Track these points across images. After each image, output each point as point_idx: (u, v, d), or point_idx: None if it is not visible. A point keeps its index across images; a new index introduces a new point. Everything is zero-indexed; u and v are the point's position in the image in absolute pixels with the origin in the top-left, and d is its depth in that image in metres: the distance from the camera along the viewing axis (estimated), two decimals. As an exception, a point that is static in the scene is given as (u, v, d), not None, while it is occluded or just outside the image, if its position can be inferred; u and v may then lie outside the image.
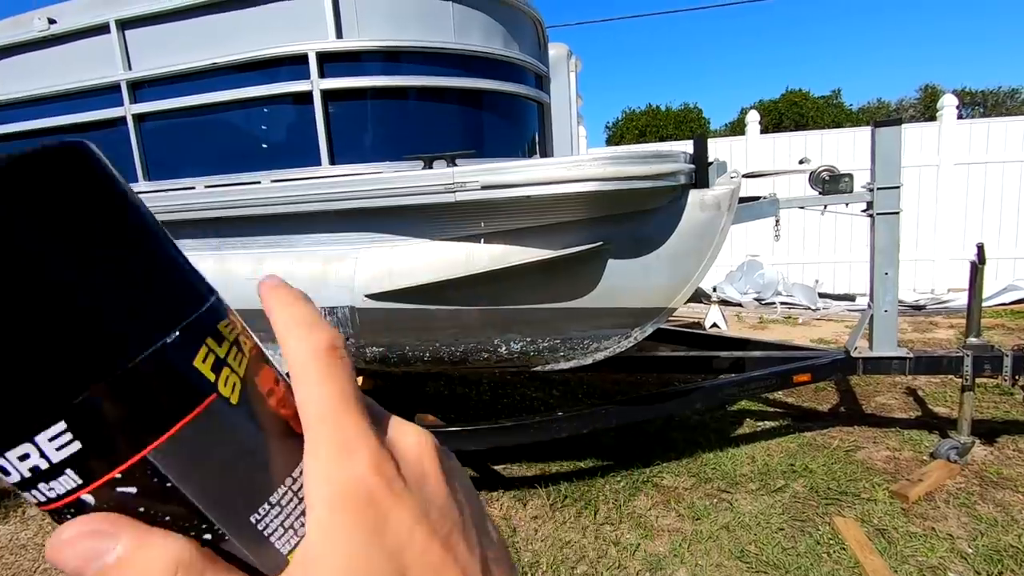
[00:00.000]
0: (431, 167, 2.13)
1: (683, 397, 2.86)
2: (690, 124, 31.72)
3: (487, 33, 2.48)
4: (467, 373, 5.01)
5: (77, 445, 0.17)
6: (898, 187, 2.89)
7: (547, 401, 4.45)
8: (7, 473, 0.17)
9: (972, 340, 3.03)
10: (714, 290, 6.27)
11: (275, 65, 2.26)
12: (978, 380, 3.16)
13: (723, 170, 2.40)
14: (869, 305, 3.10)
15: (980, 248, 2.85)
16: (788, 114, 28.56)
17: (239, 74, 2.32)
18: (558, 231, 2.17)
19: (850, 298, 6.92)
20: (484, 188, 2.02)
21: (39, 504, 0.18)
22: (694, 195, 2.17)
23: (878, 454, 3.38)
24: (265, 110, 2.34)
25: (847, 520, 2.70)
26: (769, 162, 7.16)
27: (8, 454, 0.17)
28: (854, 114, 28.89)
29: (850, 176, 2.97)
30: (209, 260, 2.52)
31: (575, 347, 2.39)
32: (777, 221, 3.06)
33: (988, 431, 3.48)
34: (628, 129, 32.69)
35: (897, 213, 2.91)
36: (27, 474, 0.17)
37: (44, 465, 0.17)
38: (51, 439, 0.16)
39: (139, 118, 2.51)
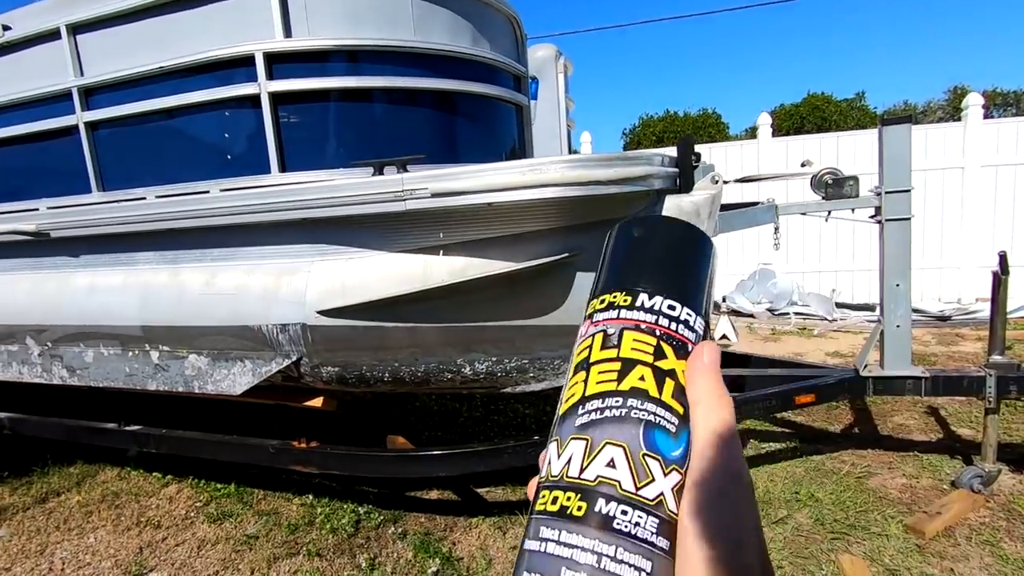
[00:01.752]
0: (381, 173, 1.97)
1: (672, 420, 2.63)
2: (708, 129, 31.18)
3: (452, 31, 2.31)
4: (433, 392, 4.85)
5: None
6: (908, 191, 2.64)
7: (540, 418, 4.24)
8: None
9: (996, 358, 2.75)
10: (724, 300, 5.99)
11: (223, 67, 2.13)
12: (1005, 401, 2.88)
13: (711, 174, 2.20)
14: (879, 320, 2.85)
15: (1003, 257, 2.58)
16: (810, 118, 27.89)
17: (187, 78, 2.20)
18: (522, 241, 1.98)
19: (870, 308, 6.57)
20: (435, 196, 1.85)
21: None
22: (671, 201, 1.97)
23: (893, 482, 3.10)
24: (214, 115, 2.21)
25: (854, 559, 2.44)
26: (782, 166, 6.86)
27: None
28: (879, 117, 28.15)
29: (855, 179, 2.73)
30: (164, 274, 2.40)
31: (545, 367, 2.19)
32: (776, 228, 2.83)
33: (1018, 457, 3.17)
34: (645, 135, 32.25)
35: (908, 219, 2.66)
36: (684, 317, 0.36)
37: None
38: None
39: (91, 126, 2.41)
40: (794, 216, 2.73)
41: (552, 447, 0.34)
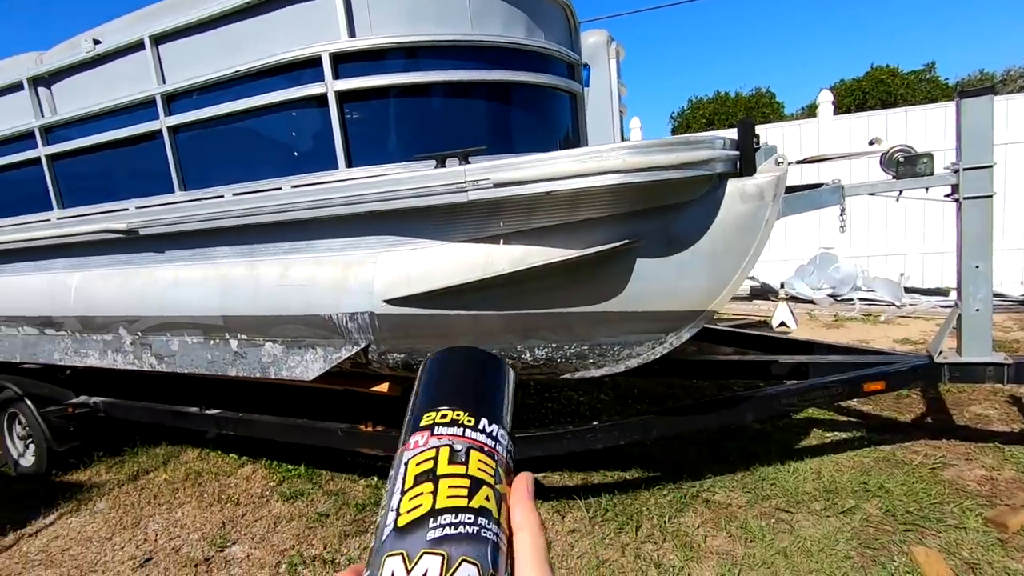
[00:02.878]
0: (444, 166, 2.03)
1: (731, 408, 2.61)
2: (762, 109, 29.95)
3: (508, 22, 2.34)
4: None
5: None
6: (990, 166, 2.49)
7: (594, 406, 4.26)
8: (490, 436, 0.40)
9: (1089, 343, 2.57)
10: (782, 286, 5.80)
11: (291, 69, 2.24)
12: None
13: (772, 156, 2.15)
14: (956, 303, 2.71)
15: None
16: (874, 93, 26.35)
17: (259, 80, 2.32)
18: (582, 229, 2.01)
19: (943, 293, 6.21)
20: (497, 186, 1.90)
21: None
22: (733, 185, 1.94)
23: (971, 473, 2.95)
24: (284, 115, 2.33)
25: (929, 551, 2.35)
26: (845, 145, 6.54)
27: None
28: (951, 89, 26.26)
29: (929, 156, 2.59)
30: (241, 267, 2.55)
31: (605, 354, 2.21)
32: (842, 210, 2.73)
33: (1113, 450, 2.96)
34: (695, 118, 31.35)
35: (990, 196, 2.52)
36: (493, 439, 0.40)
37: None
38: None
39: (173, 130, 2.58)
40: (858, 197, 2.62)
41: (395, 561, 0.33)
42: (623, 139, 3.81)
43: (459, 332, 2.22)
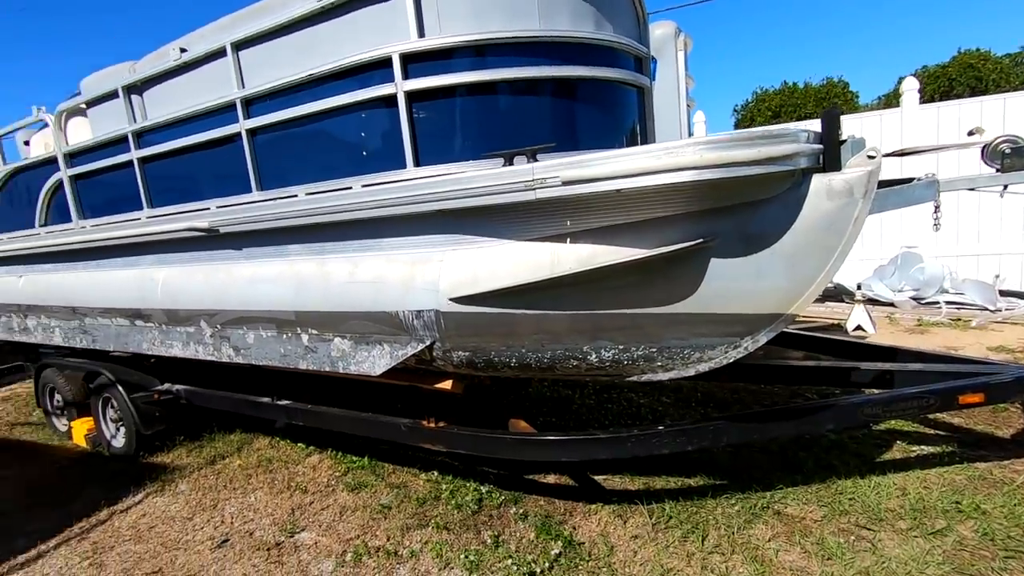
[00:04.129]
0: (511, 164, 2.01)
1: (810, 415, 2.46)
2: (833, 100, 28.37)
3: (576, 16, 2.30)
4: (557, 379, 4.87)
5: None
6: (1117, 157, 2.23)
7: (655, 408, 4.15)
8: None
9: None
10: (859, 287, 5.45)
11: (362, 71, 2.29)
12: None
13: (861, 149, 2.00)
14: (1070, 310, 2.44)
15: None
16: (961, 79, 24.42)
17: (331, 83, 2.39)
18: (653, 228, 1.94)
19: (1045, 296, 5.66)
20: (566, 184, 1.86)
21: None
22: (819, 180, 1.82)
23: (1084, 498, 2.67)
24: (355, 116, 2.38)
25: (1036, 582, 2.14)
26: (932, 137, 6.06)
27: None
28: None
29: (1042, 147, 2.35)
30: (313, 264, 2.64)
31: (674, 357, 2.14)
32: (936, 207, 2.52)
33: None
34: (760, 111, 30.06)
35: (1115, 191, 2.26)
36: None
37: None
38: None
39: (251, 132, 2.70)
40: (945, 193, 2.41)
41: None
42: (690, 134, 3.68)
43: (525, 332, 2.20)
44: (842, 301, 5.96)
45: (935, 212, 2.54)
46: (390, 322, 2.41)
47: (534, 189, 1.91)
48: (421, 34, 2.18)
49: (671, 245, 1.89)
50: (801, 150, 1.76)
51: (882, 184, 2.58)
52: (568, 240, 2.05)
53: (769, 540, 2.58)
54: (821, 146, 1.86)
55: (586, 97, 2.48)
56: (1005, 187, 2.46)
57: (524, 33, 2.19)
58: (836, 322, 5.73)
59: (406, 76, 2.21)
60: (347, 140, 2.45)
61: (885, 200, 2.31)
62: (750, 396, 4.22)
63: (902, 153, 2.87)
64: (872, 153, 1.78)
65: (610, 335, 2.12)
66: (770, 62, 59.03)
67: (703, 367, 2.14)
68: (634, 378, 2.29)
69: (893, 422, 3.60)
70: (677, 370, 2.18)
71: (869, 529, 2.59)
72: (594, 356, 2.19)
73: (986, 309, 5.46)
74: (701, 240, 1.88)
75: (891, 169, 5.02)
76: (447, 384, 2.67)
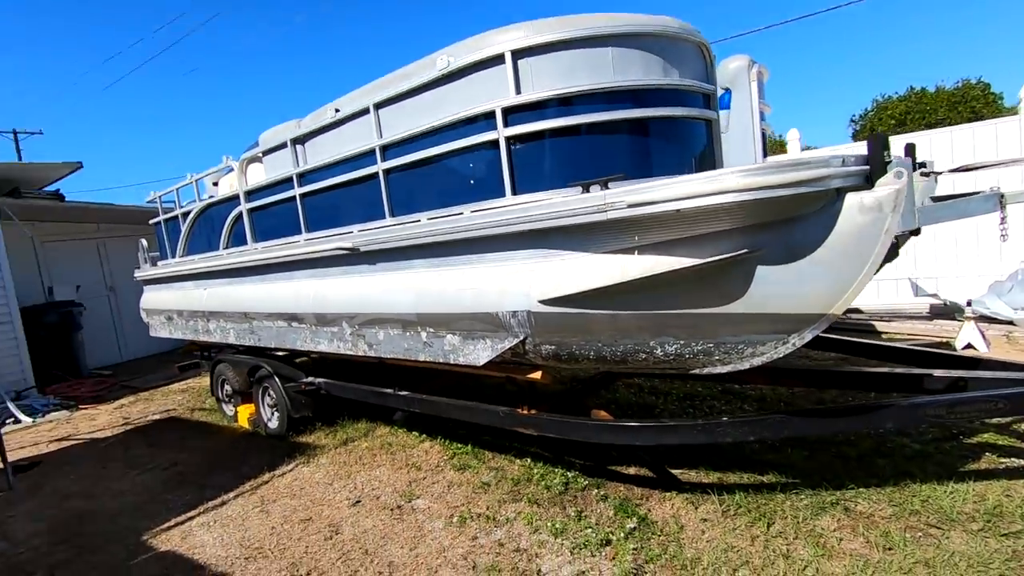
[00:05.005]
0: (588, 191, 2.50)
1: (870, 413, 2.65)
2: (971, 103, 25.66)
3: (645, 67, 2.76)
4: (658, 384, 5.16)
5: None
6: None
7: (735, 413, 4.34)
8: None
9: None
10: (968, 304, 5.21)
11: (472, 122, 2.90)
12: None
13: (928, 169, 2.26)
14: None
15: None
16: None
17: (448, 131, 3.03)
18: (706, 241, 2.33)
19: None
20: (630, 206, 2.32)
21: None
22: (852, 198, 2.12)
23: None
24: (465, 156, 2.99)
25: (1104, 580, 2.18)
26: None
27: None
28: None
29: (1110, 159, 2.42)
30: (429, 272, 3.28)
31: (730, 351, 2.48)
32: (1003, 219, 2.64)
33: None
34: (881, 120, 27.91)
35: None
36: None
37: None
38: None
39: (386, 172, 3.42)
40: (1008, 205, 2.51)
41: None
42: (764, 156, 3.94)
43: (599, 329, 2.66)
44: (954, 319, 5.68)
45: (1001, 224, 2.65)
46: (491, 321, 2.97)
47: (605, 211, 2.38)
48: (518, 92, 2.75)
49: (721, 255, 2.27)
50: (831, 173, 2.08)
51: (944, 198, 2.76)
52: (636, 252, 2.49)
53: (834, 531, 2.77)
54: (858, 168, 2.16)
55: (657, 132, 2.91)
56: (1075, 198, 2.53)
57: (599, 85, 2.69)
58: (945, 340, 5.50)
59: (506, 125, 2.79)
60: (459, 174, 3.08)
61: (938, 212, 2.51)
62: (830, 402, 4.28)
63: (964, 169, 2.98)
64: (900, 173, 2.05)
65: (672, 331, 2.52)
66: (894, 66, 54.27)
67: (756, 361, 2.45)
68: (696, 371, 2.65)
69: (987, 436, 3.55)
70: (733, 364, 2.52)
71: (938, 528, 2.69)
72: (659, 350, 2.59)
73: None
74: (746, 250, 2.24)
75: (986, 182, 4.84)
76: (537, 375, 3.17)
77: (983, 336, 5.12)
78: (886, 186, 2.07)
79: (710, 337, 2.46)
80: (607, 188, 2.43)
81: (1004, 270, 5.80)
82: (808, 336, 2.31)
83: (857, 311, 6.43)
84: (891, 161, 2.18)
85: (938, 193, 3.27)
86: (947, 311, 5.77)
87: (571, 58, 2.70)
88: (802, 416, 2.77)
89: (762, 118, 3.98)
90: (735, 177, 2.11)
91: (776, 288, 2.26)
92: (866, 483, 3.13)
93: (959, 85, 27.01)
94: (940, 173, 2.87)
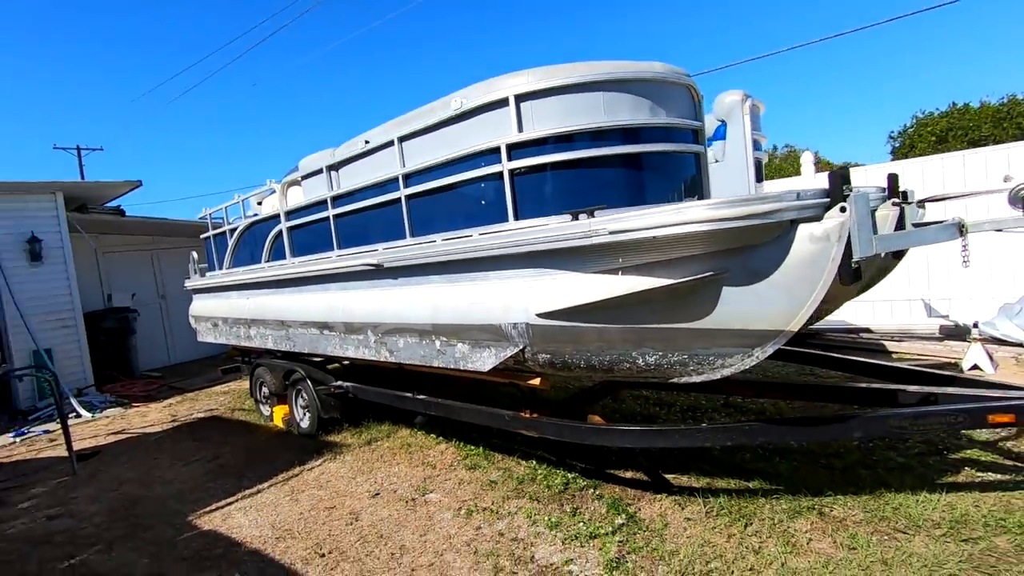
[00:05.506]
0: (577, 219, 2.85)
1: (838, 424, 2.89)
2: (1017, 119, 24.86)
3: (634, 108, 3.10)
4: (664, 396, 5.41)
5: None
6: None
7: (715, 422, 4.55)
8: None
9: None
10: (975, 326, 5.30)
11: (480, 156, 3.29)
12: None
13: (865, 200, 2.52)
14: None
15: None
16: None
17: (460, 163, 3.43)
18: (679, 263, 2.64)
19: None
20: (611, 233, 2.66)
21: None
22: (803, 229, 2.40)
23: None
24: (474, 186, 3.38)
25: (1043, 581, 2.37)
26: (1070, 169, 5.69)
27: None
28: None
29: (1059, 193, 2.63)
30: (443, 287, 3.67)
31: (702, 362, 2.77)
32: (964, 246, 2.87)
33: None
34: (921, 136, 27.28)
35: None
36: None
37: None
38: None
39: (408, 197, 3.85)
40: (970, 234, 2.71)
41: None
42: (759, 182, 4.21)
43: (588, 340, 2.98)
44: (964, 340, 5.74)
45: (963, 251, 2.88)
46: (495, 332, 3.33)
47: (590, 237, 2.72)
48: (520, 130, 3.13)
49: (691, 276, 2.58)
50: (783, 207, 2.37)
51: (921, 225, 3.01)
52: (620, 272, 2.82)
53: (806, 532, 3.00)
54: (805, 202, 2.44)
55: (645, 164, 3.24)
56: (1030, 228, 2.74)
57: (591, 125, 3.04)
58: (953, 361, 5.57)
59: (510, 159, 3.17)
60: (469, 201, 3.47)
61: (896, 240, 2.76)
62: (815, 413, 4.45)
63: (933, 199, 3.19)
64: (845, 207, 2.33)
65: (651, 344, 2.82)
66: (935, 82, 52.72)
67: (726, 371, 2.74)
68: (675, 379, 2.94)
69: (970, 452, 3.70)
70: (707, 374, 2.80)
71: (904, 532, 2.89)
72: (641, 360, 2.89)
73: None
74: (713, 273, 2.54)
75: (978, 209, 4.96)
76: (536, 381, 3.50)
77: (990, 357, 5.20)
78: (832, 219, 2.35)
79: (684, 349, 2.76)
80: (592, 216, 2.78)
81: (1017, 293, 5.84)
82: (770, 350, 2.58)
83: (868, 331, 6.53)
84: (849, 195, 2.46)
85: (928, 219, 3.48)
86: (957, 332, 5.84)
87: (566, 101, 3.07)
88: (776, 424, 3.02)
89: (757, 148, 4.28)
90: (700, 210, 2.43)
91: (740, 307, 2.56)
92: (845, 491, 3.33)
93: (1004, 101, 26.26)
94: (911, 203, 3.09)
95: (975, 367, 5.19)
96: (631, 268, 2.77)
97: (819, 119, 59.49)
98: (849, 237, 2.43)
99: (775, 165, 28.82)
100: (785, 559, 2.78)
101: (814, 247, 2.38)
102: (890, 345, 6.22)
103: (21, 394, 8.17)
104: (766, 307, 2.50)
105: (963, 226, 2.87)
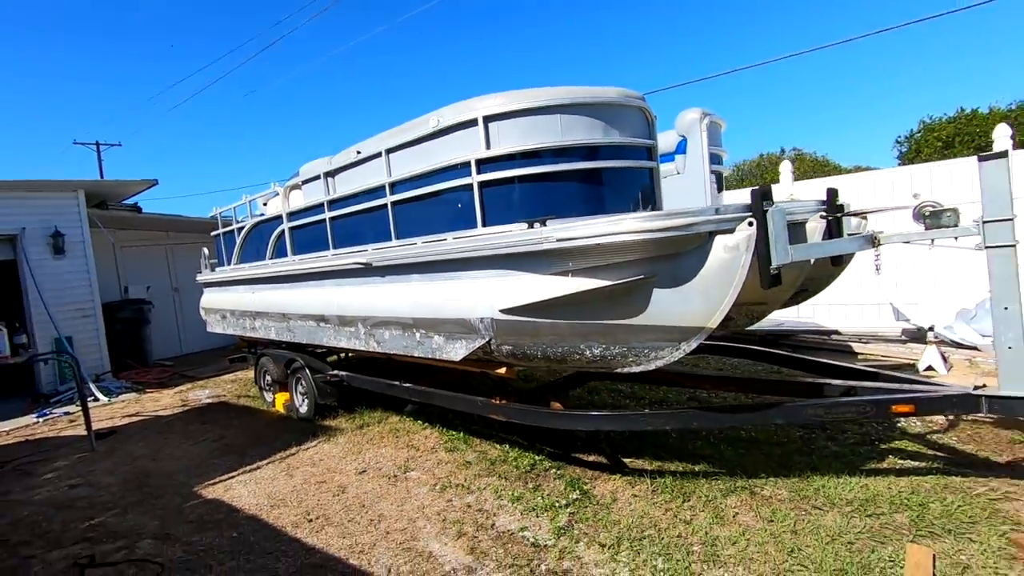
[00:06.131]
0: (532, 227, 3.25)
1: (763, 411, 3.27)
2: (1024, 126, 24.74)
3: (589, 128, 3.48)
4: (637, 390, 5.79)
5: None
6: (1010, 219, 2.83)
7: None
8: None
9: None
10: (930, 330, 5.61)
11: (454, 168, 3.70)
12: None
13: (782, 214, 2.89)
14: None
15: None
16: None
17: (438, 175, 3.84)
18: (617, 268, 3.03)
19: None
20: (559, 240, 3.06)
21: None
22: (719, 240, 2.78)
23: (1032, 509, 3.06)
24: (449, 195, 3.79)
25: (922, 548, 2.74)
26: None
27: None
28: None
29: (953, 211, 2.99)
30: (422, 285, 4.09)
31: (639, 354, 3.16)
32: (877, 255, 3.23)
33: None
34: (928, 142, 27.26)
35: (1012, 246, 2.84)
36: None
37: None
38: None
39: (394, 203, 4.27)
40: (881, 246, 3.08)
41: None
42: (719, 191, 4.58)
43: (543, 333, 3.38)
44: (925, 342, 6.06)
45: (876, 259, 3.24)
46: (466, 325, 3.74)
47: (541, 243, 3.12)
48: (488, 147, 3.53)
49: (626, 279, 2.97)
50: (701, 220, 2.76)
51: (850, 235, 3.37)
52: (570, 274, 3.22)
53: (735, 507, 3.38)
54: (723, 216, 2.82)
55: (601, 179, 3.63)
56: (932, 241, 3.10)
57: (550, 144, 3.44)
58: (912, 362, 5.90)
59: (479, 172, 3.58)
60: (445, 208, 3.88)
61: (810, 250, 3.13)
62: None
63: (853, 213, 3.55)
64: (751, 222, 2.71)
65: (596, 338, 3.22)
66: (938, 87, 52.20)
67: (659, 363, 3.12)
68: (619, 370, 3.33)
69: (900, 443, 4.05)
70: (643, 364, 3.19)
71: (820, 509, 3.26)
72: (588, 352, 3.29)
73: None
74: (643, 276, 2.93)
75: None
76: (503, 370, 3.91)
77: (944, 359, 5.52)
78: (742, 231, 2.73)
79: (623, 343, 3.15)
80: (544, 225, 3.18)
81: (972, 298, 6.14)
82: (694, 343, 2.97)
83: (838, 333, 6.85)
84: (768, 210, 2.84)
85: (869, 230, 3.83)
86: (919, 335, 6.15)
87: (529, 122, 3.46)
88: (707, 411, 3.41)
89: (717, 161, 4.65)
90: (632, 222, 2.82)
91: (667, 306, 2.94)
92: (777, 474, 3.71)
93: (1015, 107, 26.14)
94: (835, 217, 3.45)
95: (929, 368, 5.51)
96: (579, 271, 3.16)
97: (830, 123, 59.25)
98: (768, 246, 2.83)
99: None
100: (710, 528, 3.16)
101: (727, 256, 2.76)
102: (857, 347, 6.54)
103: (43, 379, 8.73)
104: (689, 307, 2.89)
105: (875, 238, 3.24)
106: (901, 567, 2.65)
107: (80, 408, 6.03)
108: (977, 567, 2.61)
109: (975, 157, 3.01)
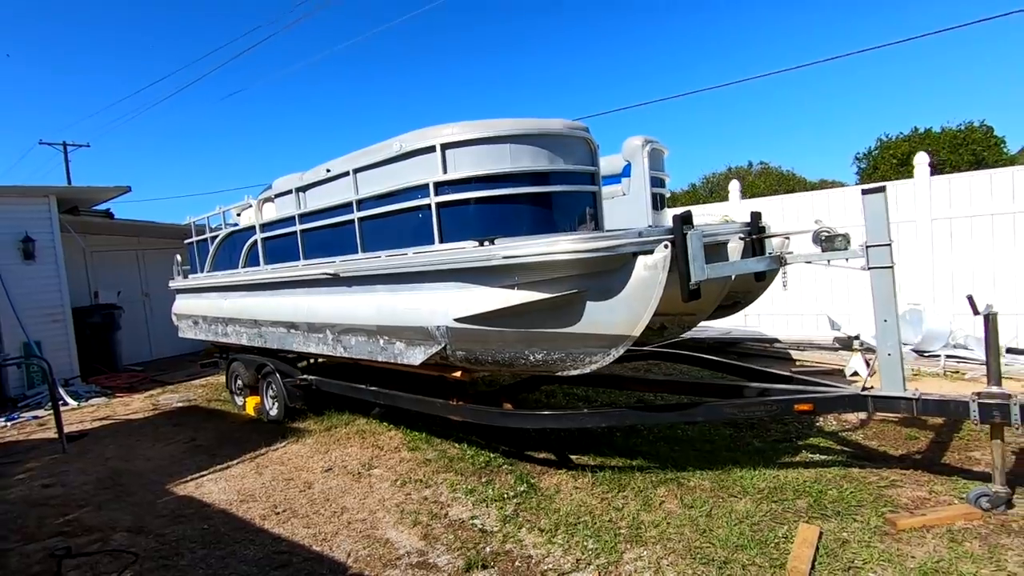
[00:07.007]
0: (483, 245, 3.63)
1: (686, 410, 3.69)
2: (972, 146, 26.26)
3: (534, 158, 3.89)
4: (591, 394, 6.20)
5: None
6: (888, 244, 3.31)
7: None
8: None
9: (991, 388, 3.16)
10: (857, 338, 6.15)
11: (414, 190, 4.07)
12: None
13: (700, 236, 3.32)
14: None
15: (970, 299, 3.08)
16: None
17: (399, 195, 4.20)
18: (555, 282, 3.43)
19: (1061, 356, 5.90)
20: (504, 257, 3.44)
21: None
22: (640, 260, 3.20)
23: (912, 494, 3.53)
24: (410, 214, 4.15)
25: (810, 526, 3.18)
26: (945, 207, 6.60)
27: None
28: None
29: (845, 236, 3.47)
30: (385, 295, 4.43)
31: (576, 359, 3.56)
32: (784, 272, 3.70)
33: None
34: (884, 159, 28.61)
35: (890, 267, 3.32)
36: None
37: None
38: None
39: (360, 219, 4.61)
40: (963, 253, 3.54)
41: None
42: (660, 210, 5.04)
43: (492, 340, 3.76)
44: (853, 350, 6.61)
45: (783, 276, 3.70)
46: (425, 333, 4.09)
47: (489, 260, 3.50)
48: (445, 171, 3.91)
49: (563, 292, 3.37)
50: (625, 243, 3.17)
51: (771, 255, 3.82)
52: (516, 287, 3.60)
53: (662, 496, 3.79)
54: (645, 238, 3.24)
55: (546, 202, 4.04)
56: (828, 262, 3.58)
57: (500, 170, 3.83)
58: (840, 368, 6.44)
59: (436, 194, 3.95)
60: (406, 225, 4.24)
61: (723, 268, 3.57)
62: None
63: (759, 238, 4.03)
64: (667, 245, 3.14)
65: (538, 344, 3.61)
66: (896, 107, 54.64)
67: (593, 367, 3.52)
68: (560, 373, 3.73)
69: (814, 439, 4.53)
70: (580, 368, 3.59)
71: (735, 497, 3.69)
72: (532, 357, 3.68)
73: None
74: (577, 290, 3.34)
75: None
76: (458, 374, 4.28)
77: (867, 364, 6.06)
78: (660, 252, 3.16)
79: (562, 349, 3.55)
80: (492, 243, 3.56)
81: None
82: (622, 349, 3.38)
83: (778, 341, 7.39)
84: (688, 233, 3.27)
85: (791, 249, 4.31)
86: (848, 343, 6.71)
87: (481, 151, 3.85)
88: (640, 410, 3.83)
89: (659, 184, 5.11)
90: (566, 243, 3.23)
91: (598, 317, 3.35)
92: (703, 467, 4.14)
93: (963, 127, 27.65)
94: (754, 238, 3.93)
95: (855, 373, 6.05)
96: (524, 284, 3.55)
97: (797, 138, 61.31)
98: (688, 265, 3.26)
99: (748, 182, 29.97)
100: (638, 514, 3.56)
101: (647, 274, 3.18)
102: (795, 354, 7.08)
103: (11, 383, 8.76)
104: (616, 317, 3.30)
105: (782, 258, 3.70)
106: (792, 543, 3.08)
107: (49, 412, 6.19)
108: (854, 542, 3.05)
109: (860, 189, 3.50)
